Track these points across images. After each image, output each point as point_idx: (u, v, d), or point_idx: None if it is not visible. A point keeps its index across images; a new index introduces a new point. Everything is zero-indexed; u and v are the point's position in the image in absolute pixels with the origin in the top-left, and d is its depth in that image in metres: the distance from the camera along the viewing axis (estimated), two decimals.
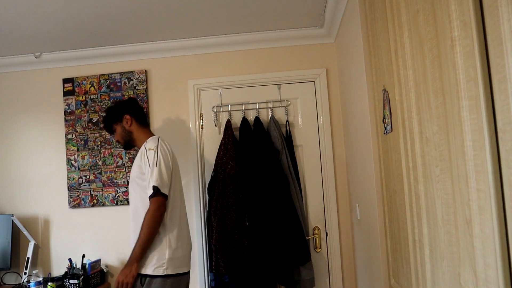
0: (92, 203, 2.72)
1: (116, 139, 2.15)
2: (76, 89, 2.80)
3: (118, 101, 2.24)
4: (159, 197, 1.83)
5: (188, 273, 1.98)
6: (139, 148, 2.04)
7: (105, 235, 2.70)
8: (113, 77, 2.78)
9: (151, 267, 1.82)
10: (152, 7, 2.21)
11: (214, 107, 2.69)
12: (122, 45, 2.72)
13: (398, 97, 1.31)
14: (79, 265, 2.54)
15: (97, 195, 2.72)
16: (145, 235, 1.80)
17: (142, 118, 2.15)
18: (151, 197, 1.83)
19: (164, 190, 1.85)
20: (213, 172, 2.52)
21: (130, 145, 2.14)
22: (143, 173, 1.91)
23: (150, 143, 1.97)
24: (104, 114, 2.20)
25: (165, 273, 1.82)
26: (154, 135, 2.10)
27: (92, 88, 2.79)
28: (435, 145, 1.00)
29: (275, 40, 2.69)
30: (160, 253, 1.84)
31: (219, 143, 2.53)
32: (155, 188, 1.83)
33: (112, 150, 2.74)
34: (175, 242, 1.89)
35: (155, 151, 1.92)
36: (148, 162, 1.90)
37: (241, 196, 2.37)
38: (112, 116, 2.13)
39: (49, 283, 2.42)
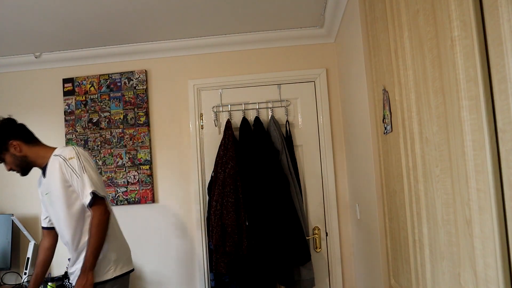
0: None
1: (9, 168, 1.89)
2: (76, 89, 2.80)
3: None
4: (99, 202, 1.80)
5: (132, 270, 1.98)
6: (42, 166, 1.89)
7: None
8: (113, 77, 2.78)
9: (101, 274, 1.81)
10: (152, 7, 2.21)
11: (214, 107, 2.69)
12: (122, 45, 2.72)
13: (398, 97, 1.31)
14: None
15: None
16: (96, 242, 1.76)
17: (30, 136, 1.95)
18: (90, 204, 1.78)
19: (101, 193, 1.82)
20: (213, 172, 2.52)
21: (28, 169, 1.93)
22: (70, 185, 1.81)
23: (67, 152, 1.85)
24: None
25: (113, 276, 1.83)
26: (51, 147, 1.95)
27: (92, 88, 2.79)
28: (435, 145, 1.00)
29: (275, 40, 2.69)
30: (106, 258, 1.83)
31: (219, 143, 2.53)
32: (93, 194, 1.77)
33: (112, 150, 2.74)
34: (116, 243, 1.89)
35: (77, 158, 1.83)
36: (73, 171, 1.80)
37: (241, 196, 2.37)
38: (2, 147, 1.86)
39: (49, 283, 2.42)
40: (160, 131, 2.74)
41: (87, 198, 1.78)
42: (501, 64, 0.68)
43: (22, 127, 1.95)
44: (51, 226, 1.99)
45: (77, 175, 1.80)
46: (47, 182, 1.86)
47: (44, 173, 1.89)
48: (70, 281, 1.96)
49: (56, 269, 2.73)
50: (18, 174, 1.95)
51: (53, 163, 1.84)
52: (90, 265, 1.75)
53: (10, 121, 1.93)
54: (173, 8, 2.24)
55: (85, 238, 1.83)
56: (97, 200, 1.79)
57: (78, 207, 1.83)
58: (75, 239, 1.85)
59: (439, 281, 1.04)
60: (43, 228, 2.03)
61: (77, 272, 1.83)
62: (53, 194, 1.85)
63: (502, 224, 0.71)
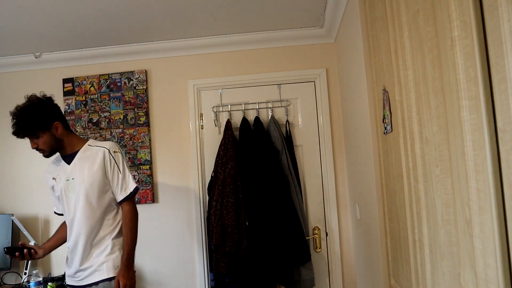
0: None
1: (36, 147, 1.84)
2: (76, 89, 2.80)
3: (35, 103, 1.86)
4: (132, 198, 1.90)
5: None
6: (69, 153, 1.89)
7: None
8: (113, 77, 2.78)
9: (110, 270, 1.83)
10: (152, 7, 2.21)
11: (214, 107, 2.69)
12: (122, 45, 2.72)
13: (398, 97, 1.31)
14: None
15: None
16: (135, 235, 1.86)
17: (66, 122, 1.96)
18: (126, 199, 1.87)
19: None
20: (213, 172, 2.52)
21: (56, 151, 1.90)
22: (106, 177, 1.86)
23: (111, 145, 1.91)
24: (20, 117, 1.82)
25: (114, 274, 1.84)
26: (83, 138, 2.00)
27: (92, 88, 2.79)
28: (435, 145, 1.00)
29: (275, 40, 2.69)
30: (117, 255, 1.86)
31: (219, 143, 2.53)
32: (135, 190, 1.89)
33: None
34: (121, 241, 1.91)
35: (120, 153, 1.92)
36: (117, 164, 1.88)
37: (241, 196, 2.37)
38: (39, 124, 1.81)
39: (49, 283, 2.42)
40: (160, 131, 2.74)
41: (125, 193, 1.88)
42: (501, 64, 0.68)
43: (61, 112, 1.97)
44: None
45: (120, 169, 1.88)
46: (73, 169, 1.86)
47: (68, 160, 1.89)
48: (77, 279, 1.86)
49: (56, 269, 2.73)
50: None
51: (94, 153, 1.87)
52: (132, 258, 1.85)
53: (54, 103, 1.94)
54: (173, 8, 2.24)
55: (104, 232, 1.86)
56: (131, 197, 1.89)
57: (107, 200, 1.87)
58: (93, 232, 1.84)
59: (439, 281, 1.04)
60: (62, 215, 2.01)
61: (94, 268, 1.82)
62: (81, 182, 1.83)
63: (502, 224, 0.71)
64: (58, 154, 1.93)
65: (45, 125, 1.82)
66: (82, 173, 1.84)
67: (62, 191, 1.86)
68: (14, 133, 1.81)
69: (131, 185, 1.90)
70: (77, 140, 1.94)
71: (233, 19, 2.44)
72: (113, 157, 1.89)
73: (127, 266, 1.81)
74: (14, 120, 1.81)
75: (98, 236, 1.85)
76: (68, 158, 1.90)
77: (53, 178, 1.91)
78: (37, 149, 1.84)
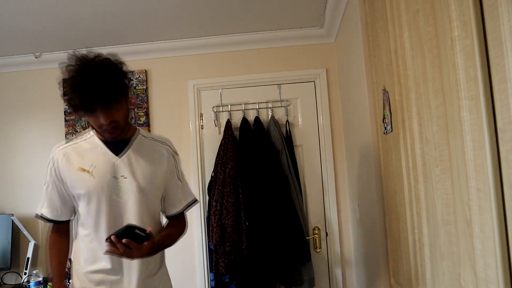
0: None
1: (111, 121, 1.30)
2: None
3: (118, 62, 1.35)
4: (185, 213, 1.60)
5: None
6: (122, 138, 1.42)
7: None
8: None
9: None
10: (152, 7, 2.21)
11: (214, 107, 2.69)
12: (122, 45, 2.72)
13: (398, 97, 1.31)
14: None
15: None
16: (171, 244, 1.50)
17: None
18: (181, 212, 1.57)
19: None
20: (213, 172, 2.52)
21: (121, 134, 1.40)
22: (163, 182, 1.48)
23: (171, 145, 1.55)
24: (110, 70, 1.29)
25: None
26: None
27: None
28: (435, 145, 1.00)
29: (275, 40, 2.69)
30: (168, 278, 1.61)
31: (219, 143, 2.53)
32: (193, 202, 1.59)
33: None
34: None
35: (178, 157, 1.58)
36: (177, 168, 1.54)
37: (241, 196, 2.37)
38: (124, 86, 1.34)
39: (49, 283, 2.42)
40: (160, 131, 2.74)
41: (182, 204, 1.55)
42: (501, 64, 0.68)
43: None
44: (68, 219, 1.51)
45: (179, 176, 1.55)
46: (126, 164, 1.40)
47: (116, 149, 1.41)
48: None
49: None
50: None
51: (156, 149, 1.48)
52: (158, 247, 1.39)
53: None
54: (173, 8, 2.24)
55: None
56: (187, 209, 1.57)
57: (157, 209, 1.51)
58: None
59: (439, 281, 1.04)
60: (59, 222, 1.48)
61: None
62: (139, 184, 1.39)
63: (502, 224, 0.71)
64: (90, 136, 1.46)
65: (127, 88, 1.35)
66: (143, 173, 1.41)
67: (100, 190, 1.36)
68: (102, 94, 1.22)
69: (191, 196, 1.59)
70: (133, 127, 1.49)
71: (233, 19, 2.44)
72: (176, 160, 1.54)
73: (152, 245, 1.30)
74: (99, 75, 1.24)
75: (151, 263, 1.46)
76: (115, 146, 1.41)
77: (82, 170, 1.38)
78: (110, 123, 1.29)
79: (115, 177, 1.38)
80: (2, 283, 2.70)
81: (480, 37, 0.74)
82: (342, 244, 2.59)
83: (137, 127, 1.52)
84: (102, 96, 1.22)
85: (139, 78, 2.76)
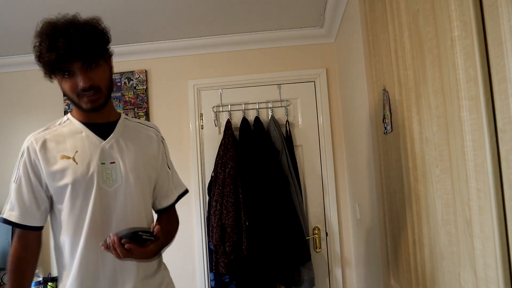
0: None
1: (91, 85, 1.14)
2: None
3: (100, 24, 1.29)
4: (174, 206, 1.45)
5: None
6: (105, 120, 1.26)
7: None
8: (113, 77, 2.78)
9: None
10: (152, 7, 2.21)
11: (214, 107, 2.69)
12: (122, 45, 2.72)
13: (398, 97, 1.31)
14: None
15: None
16: (171, 241, 1.39)
17: None
18: (173, 204, 1.43)
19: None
20: (213, 172, 2.52)
21: (104, 104, 1.21)
22: (154, 169, 1.32)
23: (158, 129, 1.42)
24: (92, 26, 1.22)
25: None
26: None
27: None
28: (435, 145, 1.00)
29: (275, 40, 2.69)
30: (168, 274, 1.46)
31: (219, 143, 2.53)
32: (184, 192, 1.47)
33: None
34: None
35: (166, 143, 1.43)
36: (166, 156, 1.40)
37: (241, 196, 2.37)
38: (105, 48, 1.25)
39: (49, 283, 2.42)
40: (160, 131, 2.74)
41: (175, 195, 1.41)
42: (501, 64, 0.68)
43: None
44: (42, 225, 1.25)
45: (169, 164, 1.41)
46: (114, 148, 1.23)
47: (101, 132, 1.24)
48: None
49: (56, 269, 2.72)
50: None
51: (143, 132, 1.34)
52: (158, 249, 1.21)
53: None
54: (173, 8, 2.24)
55: None
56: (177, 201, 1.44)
57: (150, 200, 1.35)
58: None
59: (439, 281, 1.04)
60: (33, 228, 1.21)
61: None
62: (132, 170, 1.23)
63: (502, 224, 0.71)
64: (66, 119, 1.27)
65: (108, 51, 1.27)
66: (133, 158, 1.24)
67: (88, 179, 1.17)
68: (81, 49, 1.10)
69: (182, 185, 1.47)
70: (112, 106, 1.33)
71: (233, 19, 2.44)
72: (165, 146, 1.40)
73: (153, 250, 1.15)
74: (79, 30, 1.14)
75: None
76: (99, 128, 1.24)
77: (65, 157, 1.18)
78: (90, 88, 1.14)
79: (102, 162, 1.19)
80: (2, 283, 2.69)
81: (480, 37, 0.74)
82: (342, 244, 2.59)
83: (120, 112, 1.37)
84: (81, 51, 1.09)
85: (139, 78, 2.76)
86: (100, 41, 1.19)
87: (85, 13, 1.21)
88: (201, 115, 2.71)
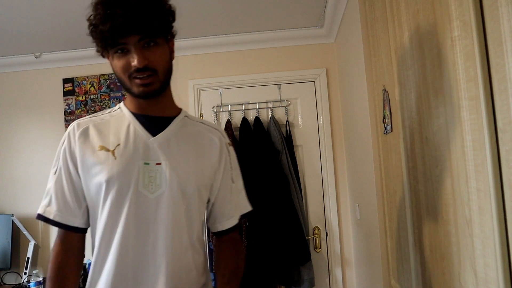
0: None
1: (146, 65, 0.95)
2: (76, 89, 2.80)
3: None
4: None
5: None
6: (149, 114, 1.06)
7: None
8: (113, 77, 2.78)
9: None
10: None
11: (214, 107, 2.69)
12: None
13: (398, 97, 1.31)
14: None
15: None
16: (240, 279, 1.21)
17: None
18: (235, 228, 1.19)
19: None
20: None
21: (159, 91, 1.01)
22: (210, 180, 1.10)
23: (224, 133, 1.17)
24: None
25: None
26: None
27: (92, 88, 2.79)
28: (435, 145, 1.00)
29: (275, 40, 2.69)
30: None
31: None
32: (248, 214, 1.24)
33: None
34: None
35: (233, 149, 1.20)
36: (231, 164, 1.17)
37: None
38: (168, 25, 1.02)
39: None
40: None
41: (238, 214, 1.18)
42: (501, 64, 0.68)
43: None
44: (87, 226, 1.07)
45: (234, 177, 1.18)
46: (164, 148, 1.02)
47: (153, 129, 1.04)
48: None
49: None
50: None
51: (205, 135, 1.12)
52: None
53: None
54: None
55: (184, 261, 1.02)
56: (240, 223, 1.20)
57: (200, 217, 1.10)
58: (179, 264, 1.01)
59: (439, 281, 1.04)
60: (74, 229, 1.05)
61: None
62: (180, 175, 1.01)
63: (502, 224, 0.71)
64: (117, 108, 1.11)
65: (171, 30, 1.04)
66: (185, 162, 1.03)
67: (124, 177, 0.97)
68: (138, 21, 0.92)
69: (247, 205, 1.25)
70: (172, 98, 1.15)
71: (233, 19, 2.44)
72: (229, 153, 1.15)
73: None
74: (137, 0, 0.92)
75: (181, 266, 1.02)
76: (151, 122, 1.05)
77: (104, 149, 1.00)
78: (145, 68, 0.95)
79: (146, 162, 0.99)
80: (2, 283, 2.69)
81: (480, 37, 0.74)
82: (342, 244, 2.59)
83: (182, 108, 1.18)
84: (140, 24, 0.92)
85: None
86: (163, 16, 0.99)
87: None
88: (201, 115, 2.71)
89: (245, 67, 2.72)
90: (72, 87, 2.81)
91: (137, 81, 0.96)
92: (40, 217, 1.06)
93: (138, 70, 0.95)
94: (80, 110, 2.79)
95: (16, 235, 2.71)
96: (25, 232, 2.61)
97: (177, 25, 1.06)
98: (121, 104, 1.11)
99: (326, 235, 2.59)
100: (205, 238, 2.61)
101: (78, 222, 1.04)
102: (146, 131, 1.04)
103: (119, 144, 1.00)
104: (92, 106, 2.78)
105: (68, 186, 1.03)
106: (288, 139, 2.56)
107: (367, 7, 1.69)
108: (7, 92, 2.87)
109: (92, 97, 2.79)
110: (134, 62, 0.94)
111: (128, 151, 1.00)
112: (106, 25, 0.94)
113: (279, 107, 2.65)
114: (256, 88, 2.69)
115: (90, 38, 1.05)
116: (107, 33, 0.94)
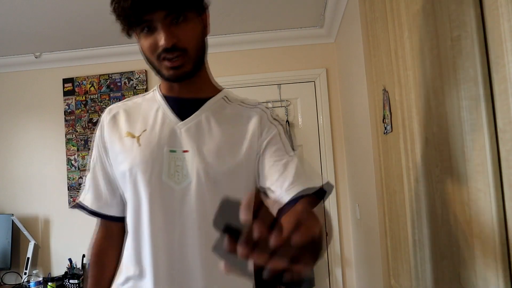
0: None
1: (174, 43, 0.83)
2: (76, 89, 2.80)
3: None
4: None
5: None
6: (180, 96, 0.95)
7: None
8: (113, 77, 2.78)
9: None
10: None
11: None
12: (122, 45, 2.72)
13: (398, 97, 1.31)
14: (79, 265, 2.54)
15: None
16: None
17: None
18: (297, 200, 0.87)
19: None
20: None
21: (192, 72, 0.89)
22: (250, 157, 0.90)
23: (268, 110, 0.99)
24: None
25: None
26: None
27: (92, 88, 2.79)
28: (435, 145, 1.00)
29: (275, 40, 2.69)
30: None
31: None
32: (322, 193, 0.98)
33: None
34: None
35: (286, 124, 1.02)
36: (283, 141, 0.94)
37: None
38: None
39: (49, 283, 2.42)
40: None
41: (302, 185, 0.88)
42: (501, 64, 0.68)
43: None
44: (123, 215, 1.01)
45: (287, 148, 0.94)
46: (192, 134, 0.90)
47: (182, 111, 0.93)
48: None
49: (56, 269, 2.73)
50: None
51: (244, 114, 0.95)
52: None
53: None
54: None
55: None
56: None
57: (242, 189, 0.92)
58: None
59: (439, 281, 1.04)
60: (106, 218, 1.02)
61: None
62: (204, 163, 0.87)
63: (502, 224, 0.71)
64: (152, 91, 1.03)
65: (203, 2, 0.91)
66: (216, 149, 0.89)
67: (148, 169, 0.88)
68: None
69: (313, 180, 0.95)
70: (209, 78, 1.00)
71: (233, 19, 2.44)
72: (275, 127, 0.95)
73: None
74: None
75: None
76: (182, 105, 0.94)
77: (130, 135, 0.93)
78: (173, 48, 0.83)
79: (172, 150, 0.89)
80: (2, 283, 2.70)
81: (480, 37, 0.74)
82: (342, 244, 2.59)
83: (223, 88, 1.02)
84: None
85: (139, 78, 2.76)
86: None
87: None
88: None
89: (245, 67, 2.72)
90: (72, 87, 2.81)
91: (166, 63, 0.86)
92: (78, 205, 1.03)
93: (166, 50, 0.83)
94: (80, 110, 2.79)
95: (16, 235, 2.71)
96: (25, 232, 2.61)
97: None
98: (156, 86, 1.03)
99: (326, 235, 2.59)
100: None
101: (113, 211, 1.00)
102: (175, 115, 0.93)
103: (145, 130, 0.92)
104: (92, 106, 2.78)
105: (101, 175, 0.99)
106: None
107: (367, 7, 1.69)
108: (7, 92, 2.87)
109: (92, 97, 2.79)
110: (162, 41, 0.83)
111: (154, 137, 0.90)
112: (128, 1, 0.83)
113: (279, 107, 2.65)
114: (256, 88, 2.69)
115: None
116: (129, 10, 0.83)
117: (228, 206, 0.47)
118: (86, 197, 1.02)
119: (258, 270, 0.53)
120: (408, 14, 1.15)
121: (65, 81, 2.81)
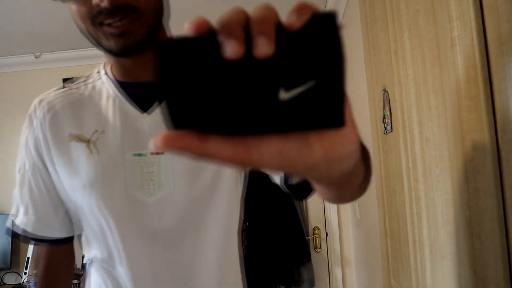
0: None
1: (127, 2, 0.59)
2: None
3: None
4: None
5: None
6: (135, 80, 0.73)
7: None
8: None
9: None
10: None
11: None
12: None
13: (398, 97, 1.31)
14: (79, 265, 2.54)
15: None
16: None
17: None
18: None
19: None
20: None
21: (145, 43, 0.64)
22: None
23: None
24: None
25: None
26: None
27: None
28: (435, 145, 1.00)
29: None
30: None
31: None
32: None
33: None
34: None
35: None
36: None
37: None
38: None
39: None
40: None
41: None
42: (501, 64, 0.68)
43: None
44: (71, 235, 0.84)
45: None
46: (160, 129, 0.63)
47: (142, 101, 0.71)
48: None
49: None
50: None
51: None
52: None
53: None
54: (173, 8, 2.24)
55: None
56: None
57: (236, 209, 0.88)
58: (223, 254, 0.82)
59: (439, 281, 1.04)
60: (51, 242, 0.84)
61: None
62: (183, 163, 0.70)
63: (502, 224, 0.71)
64: (96, 74, 0.82)
65: None
66: None
67: (109, 181, 0.68)
68: None
69: None
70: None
71: None
72: None
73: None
74: None
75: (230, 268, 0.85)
76: (144, 92, 0.72)
77: (77, 139, 0.71)
78: (117, 8, 0.59)
79: (137, 153, 0.68)
80: (2, 283, 2.70)
81: (480, 37, 0.74)
82: (342, 244, 2.59)
83: None
84: None
85: None
86: None
87: None
88: None
89: None
90: None
91: (108, 28, 0.61)
92: (9, 231, 0.81)
93: (104, 11, 0.59)
94: None
95: None
96: None
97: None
98: (101, 66, 0.78)
99: (326, 235, 2.59)
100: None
101: (58, 232, 0.79)
102: (137, 107, 0.70)
103: (97, 131, 0.69)
104: None
105: (39, 189, 0.79)
106: None
107: (367, 7, 1.69)
108: (7, 92, 2.87)
109: None
110: None
111: (110, 139, 0.68)
112: None
113: None
114: None
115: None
116: None
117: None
118: (24, 219, 0.80)
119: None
120: (408, 14, 1.15)
121: (65, 81, 2.81)
